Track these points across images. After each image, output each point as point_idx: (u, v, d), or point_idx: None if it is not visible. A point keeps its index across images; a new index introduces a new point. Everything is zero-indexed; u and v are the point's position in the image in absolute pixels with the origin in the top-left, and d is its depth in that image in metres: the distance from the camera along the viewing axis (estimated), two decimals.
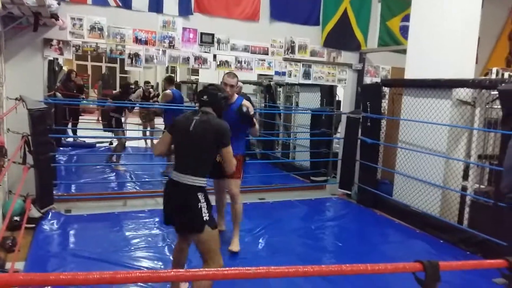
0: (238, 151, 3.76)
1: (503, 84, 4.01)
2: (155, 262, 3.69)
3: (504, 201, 3.66)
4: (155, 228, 4.46)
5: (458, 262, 1.45)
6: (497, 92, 4.10)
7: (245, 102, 3.85)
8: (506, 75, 4.88)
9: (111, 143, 9.48)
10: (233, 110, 3.75)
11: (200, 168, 2.73)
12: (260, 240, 4.36)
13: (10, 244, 3.73)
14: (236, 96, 3.99)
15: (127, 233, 4.30)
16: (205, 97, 2.86)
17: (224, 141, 2.77)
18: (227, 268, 1.43)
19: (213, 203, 2.97)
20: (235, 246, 3.97)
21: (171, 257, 3.32)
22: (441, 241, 4.51)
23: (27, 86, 4.71)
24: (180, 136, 2.80)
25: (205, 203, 2.69)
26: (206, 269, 2.45)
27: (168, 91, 6.70)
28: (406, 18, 6.28)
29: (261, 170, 7.68)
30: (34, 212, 4.30)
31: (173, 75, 6.43)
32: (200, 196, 2.68)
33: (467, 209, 4.53)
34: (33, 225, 4.18)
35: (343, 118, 6.53)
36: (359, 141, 5.91)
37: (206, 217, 2.67)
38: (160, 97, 8.83)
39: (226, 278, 1.37)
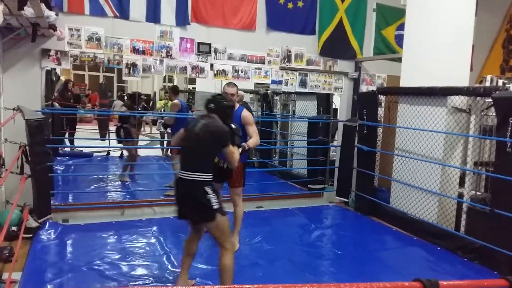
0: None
1: (497, 92, 4.05)
2: (154, 271, 3.68)
3: None
4: (153, 238, 4.46)
5: (459, 281, 1.46)
6: (491, 100, 4.14)
7: (249, 142, 3.90)
8: (500, 82, 4.93)
9: (108, 153, 9.46)
10: (235, 118, 3.78)
11: (203, 165, 3.01)
12: (258, 248, 4.36)
13: (7, 254, 3.72)
14: (237, 105, 4.14)
15: (125, 243, 4.29)
16: (211, 105, 3.16)
17: (224, 141, 3.05)
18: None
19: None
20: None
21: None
22: (438, 248, 4.52)
23: (25, 96, 4.75)
24: (189, 135, 3.12)
25: (213, 194, 2.96)
26: None
27: (176, 101, 6.53)
28: (401, 27, 6.35)
29: (258, 178, 7.68)
30: (32, 222, 4.30)
31: (177, 85, 6.48)
32: (207, 188, 2.95)
33: (463, 216, 4.55)
34: (31, 235, 4.17)
35: (340, 126, 6.57)
36: (355, 149, 5.93)
37: (215, 205, 2.94)
38: (170, 106, 8.70)
39: None
